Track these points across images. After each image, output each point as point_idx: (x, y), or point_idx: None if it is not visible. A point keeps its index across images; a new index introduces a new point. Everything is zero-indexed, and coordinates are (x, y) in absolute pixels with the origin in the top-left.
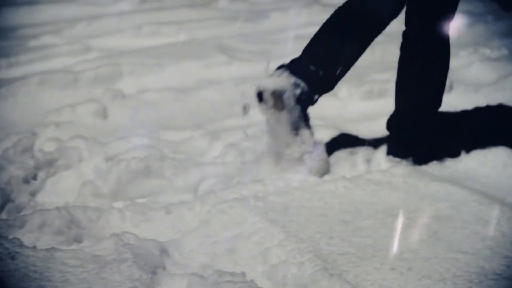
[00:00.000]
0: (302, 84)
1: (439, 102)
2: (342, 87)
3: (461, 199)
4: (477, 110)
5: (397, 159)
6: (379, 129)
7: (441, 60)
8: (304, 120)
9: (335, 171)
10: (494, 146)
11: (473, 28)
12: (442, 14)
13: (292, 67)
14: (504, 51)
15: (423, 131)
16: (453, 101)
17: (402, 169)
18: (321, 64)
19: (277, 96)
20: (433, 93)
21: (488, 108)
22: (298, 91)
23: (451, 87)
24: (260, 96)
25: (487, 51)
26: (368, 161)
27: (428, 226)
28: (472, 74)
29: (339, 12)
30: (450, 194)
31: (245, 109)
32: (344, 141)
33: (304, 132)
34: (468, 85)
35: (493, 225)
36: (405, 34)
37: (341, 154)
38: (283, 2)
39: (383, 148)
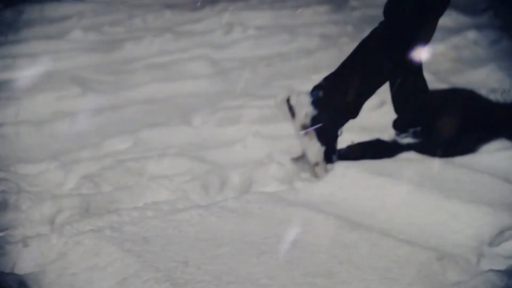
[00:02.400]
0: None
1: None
2: (196, 115)
3: (317, 223)
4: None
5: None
6: (233, 156)
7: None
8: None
9: (191, 198)
10: (351, 169)
11: (328, 51)
12: None
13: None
14: None
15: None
16: None
17: (257, 195)
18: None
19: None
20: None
21: (346, 129)
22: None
23: None
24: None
25: None
26: (222, 187)
27: (285, 252)
28: None
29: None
30: (306, 218)
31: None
32: (198, 169)
33: None
34: None
35: (351, 248)
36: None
37: (195, 182)
38: (137, 32)
39: (238, 174)
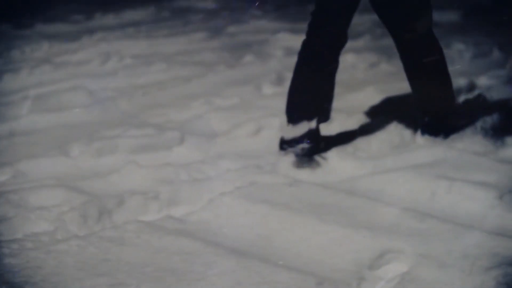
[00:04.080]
0: (306, 144)
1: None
2: (73, 145)
3: (194, 251)
4: (209, 160)
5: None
6: (110, 185)
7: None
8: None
9: (70, 229)
10: (228, 196)
11: (205, 78)
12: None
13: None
14: (235, 100)
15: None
16: (185, 153)
17: (134, 224)
18: (313, 113)
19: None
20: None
21: (222, 156)
22: (306, 151)
23: (182, 140)
24: None
25: (219, 101)
26: (100, 217)
27: (163, 280)
28: (204, 125)
29: (302, 60)
30: (183, 247)
31: None
32: (76, 199)
33: None
34: (199, 136)
35: (228, 275)
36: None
37: (74, 212)
38: (15, 63)
39: (115, 204)
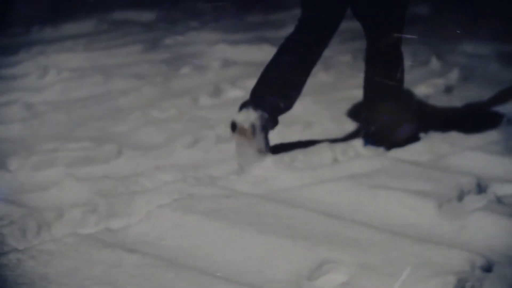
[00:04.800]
0: (266, 115)
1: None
2: (11, 159)
3: (133, 264)
4: (147, 172)
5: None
6: (49, 199)
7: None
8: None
9: (9, 242)
10: (166, 208)
11: (142, 90)
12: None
13: (255, 101)
14: (172, 112)
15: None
16: (122, 165)
17: (74, 237)
18: (278, 95)
19: (248, 129)
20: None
21: (159, 169)
22: (263, 122)
23: (120, 152)
24: (233, 128)
25: (156, 113)
26: (39, 231)
27: None
28: (141, 138)
29: (283, 49)
30: (122, 259)
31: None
32: (15, 213)
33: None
34: (136, 149)
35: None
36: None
37: (13, 226)
38: None
39: (54, 217)
